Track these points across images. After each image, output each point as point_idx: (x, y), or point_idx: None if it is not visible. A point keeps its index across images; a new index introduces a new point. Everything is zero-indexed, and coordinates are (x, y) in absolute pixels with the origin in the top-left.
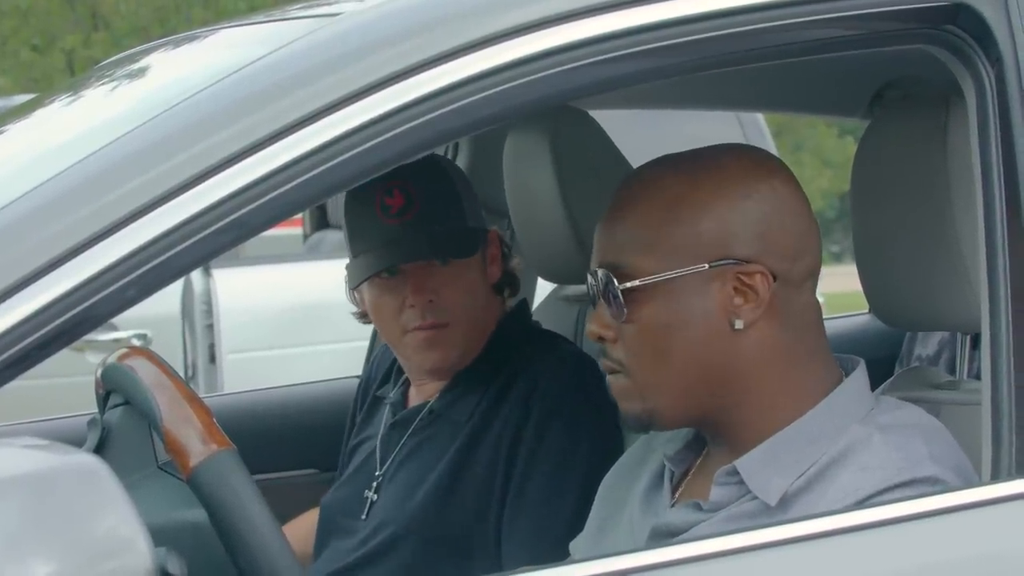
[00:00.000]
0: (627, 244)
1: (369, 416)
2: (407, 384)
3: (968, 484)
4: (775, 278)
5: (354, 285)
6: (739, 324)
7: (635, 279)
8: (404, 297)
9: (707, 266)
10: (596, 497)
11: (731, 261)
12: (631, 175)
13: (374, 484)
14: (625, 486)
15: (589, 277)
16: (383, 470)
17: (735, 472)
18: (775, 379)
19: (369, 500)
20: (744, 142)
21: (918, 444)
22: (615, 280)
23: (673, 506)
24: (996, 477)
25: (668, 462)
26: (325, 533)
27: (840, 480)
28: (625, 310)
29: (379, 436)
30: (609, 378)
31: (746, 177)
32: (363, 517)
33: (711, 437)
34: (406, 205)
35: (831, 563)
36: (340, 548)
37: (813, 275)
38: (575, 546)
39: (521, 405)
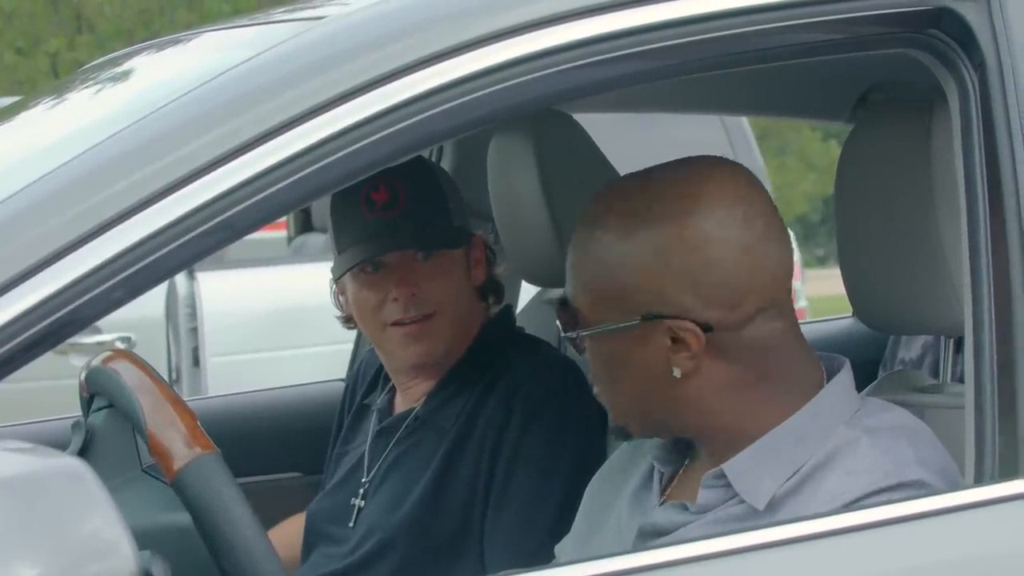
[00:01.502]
0: (576, 287)
1: (356, 424)
2: (393, 391)
3: (954, 487)
4: (709, 328)
5: (337, 276)
6: (676, 373)
7: (583, 322)
8: (387, 291)
9: (639, 320)
10: (583, 500)
11: (661, 316)
12: (591, 206)
13: (361, 491)
14: (612, 489)
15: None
16: (370, 477)
17: (722, 475)
18: (736, 405)
19: (356, 507)
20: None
21: (904, 448)
22: (567, 324)
23: (660, 506)
24: (979, 480)
25: (657, 463)
26: (312, 540)
27: (827, 484)
28: (580, 343)
29: (366, 444)
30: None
31: (678, 231)
32: (351, 524)
33: (695, 442)
34: (391, 200)
35: (818, 566)
36: (328, 555)
37: (767, 308)
38: (561, 549)
39: (503, 408)
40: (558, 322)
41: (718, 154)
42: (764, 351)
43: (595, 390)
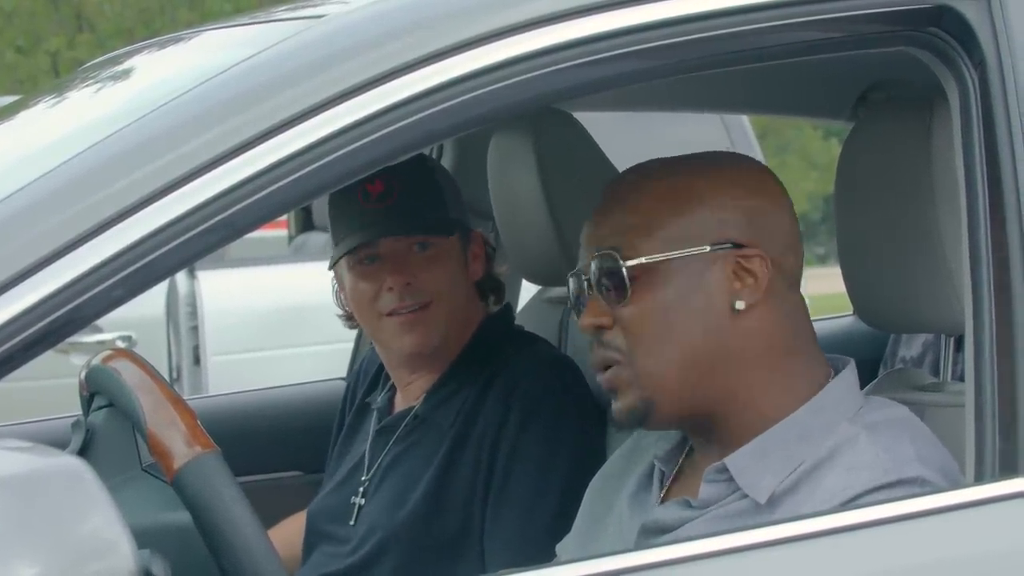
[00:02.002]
0: (627, 229)
1: (357, 422)
2: (393, 390)
3: (954, 485)
4: (772, 264)
5: (332, 264)
6: (740, 305)
7: (636, 259)
8: (382, 281)
9: (708, 248)
10: (583, 499)
11: (730, 245)
12: (628, 169)
13: (361, 490)
14: (613, 488)
15: (572, 279)
16: (370, 476)
17: (724, 469)
18: (768, 368)
19: (357, 506)
20: (729, 144)
21: (905, 445)
22: (618, 259)
23: (662, 503)
24: (980, 478)
25: (658, 462)
26: (313, 539)
27: (828, 480)
28: (629, 291)
29: (367, 442)
30: (607, 373)
31: (739, 173)
32: (351, 523)
33: (700, 436)
34: (386, 191)
35: (819, 564)
36: (329, 554)
37: (799, 275)
38: (562, 548)
39: (501, 406)
40: (589, 277)
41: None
42: (799, 322)
43: (614, 370)
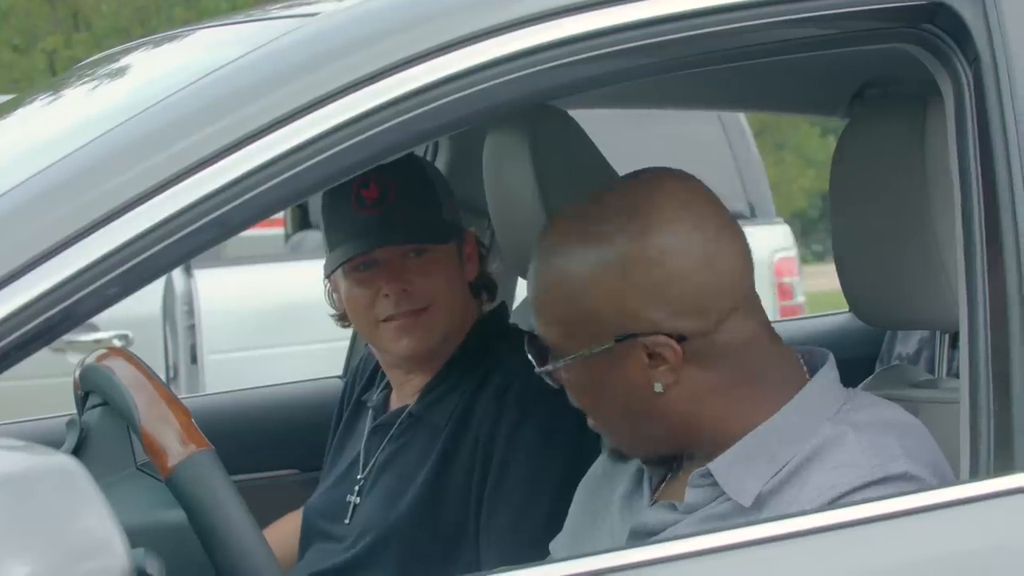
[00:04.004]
0: (541, 320)
1: (353, 420)
2: (389, 388)
3: (943, 481)
4: (685, 338)
5: (328, 273)
6: (658, 387)
7: (556, 354)
8: (378, 288)
9: (613, 342)
10: (574, 500)
11: (633, 336)
12: (534, 253)
13: (356, 488)
14: (604, 489)
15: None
16: (365, 473)
17: (709, 474)
18: (719, 409)
19: (352, 504)
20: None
21: (892, 441)
22: (537, 360)
23: (651, 507)
24: (975, 475)
25: (645, 467)
26: (309, 536)
27: (814, 478)
28: (555, 381)
29: (363, 440)
30: None
31: (633, 244)
32: (346, 521)
33: (690, 453)
34: (381, 196)
35: (807, 562)
36: (325, 551)
37: (736, 309)
38: (556, 545)
39: (495, 405)
40: (530, 357)
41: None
42: (739, 352)
43: (588, 422)
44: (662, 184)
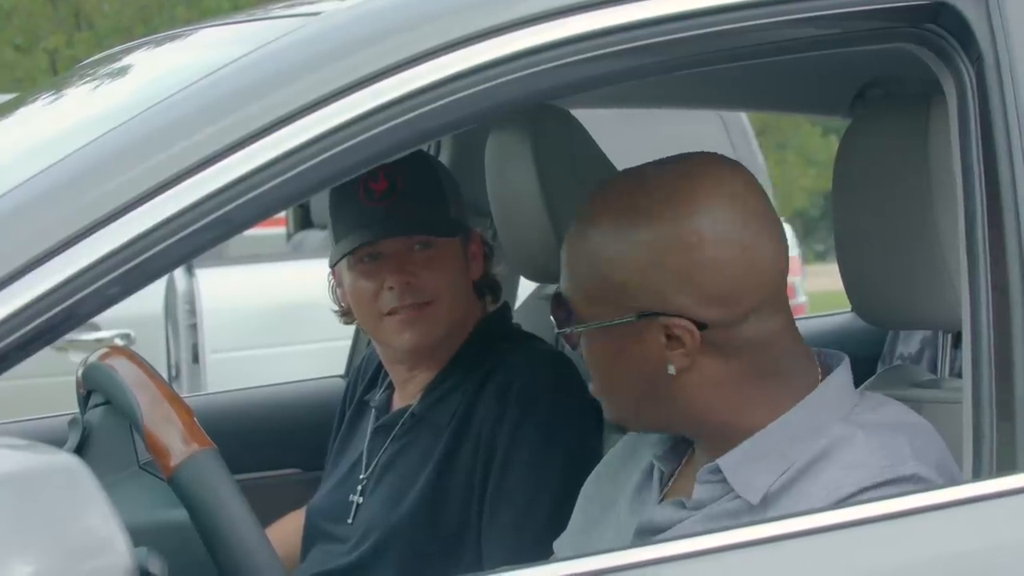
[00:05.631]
0: (569, 285)
1: (355, 420)
2: (391, 388)
3: (951, 482)
4: (706, 325)
5: (334, 262)
6: (671, 369)
7: (578, 318)
8: (382, 280)
9: (635, 318)
10: (580, 497)
11: (656, 314)
12: (576, 216)
13: (359, 488)
14: (612, 486)
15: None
16: (368, 474)
17: (718, 470)
18: (730, 401)
19: (355, 504)
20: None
21: (901, 442)
22: (562, 320)
23: (659, 504)
24: (977, 475)
25: (657, 462)
26: (312, 537)
27: (823, 478)
28: (576, 344)
29: (365, 441)
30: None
31: (670, 231)
32: (349, 521)
33: (692, 438)
34: (390, 189)
35: (814, 561)
36: (328, 552)
37: (763, 306)
38: (559, 545)
39: (497, 404)
40: (552, 317)
41: (717, 150)
42: (759, 348)
43: (591, 387)
44: (708, 169)
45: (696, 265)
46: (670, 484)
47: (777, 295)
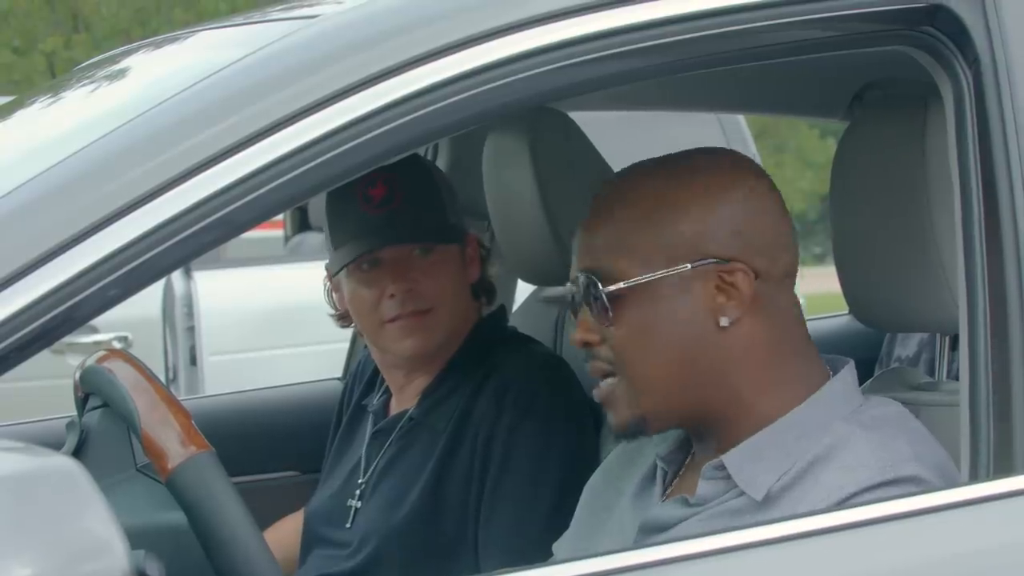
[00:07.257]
0: (607, 248)
1: (353, 424)
2: (388, 393)
3: (950, 483)
4: (756, 275)
5: (334, 272)
6: (724, 321)
7: (617, 282)
8: (383, 288)
9: (689, 267)
10: (583, 497)
11: (712, 260)
12: (607, 181)
13: (357, 493)
14: (614, 487)
15: (570, 284)
16: (366, 478)
17: (722, 466)
18: (761, 374)
19: (353, 508)
20: (725, 144)
21: (902, 443)
22: (598, 284)
23: (663, 502)
24: (974, 477)
25: (660, 462)
26: (310, 542)
27: (824, 478)
28: (610, 313)
29: (363, 445)
30: (601, 386)
31: (721, 179)
32: (347, 526)
33: (699, 436)
34: (388, 195)
35: (815, 563)
36: (326, 557)
37: (791, 274)
38: (559, 547)
39: (494, 408)
40: (577, 293)
41: None
42: (791, 324)
43: (594, 392)
44: (731, 154)
45: (747, 213)
46: (674, 483)
47: (796, 270)
